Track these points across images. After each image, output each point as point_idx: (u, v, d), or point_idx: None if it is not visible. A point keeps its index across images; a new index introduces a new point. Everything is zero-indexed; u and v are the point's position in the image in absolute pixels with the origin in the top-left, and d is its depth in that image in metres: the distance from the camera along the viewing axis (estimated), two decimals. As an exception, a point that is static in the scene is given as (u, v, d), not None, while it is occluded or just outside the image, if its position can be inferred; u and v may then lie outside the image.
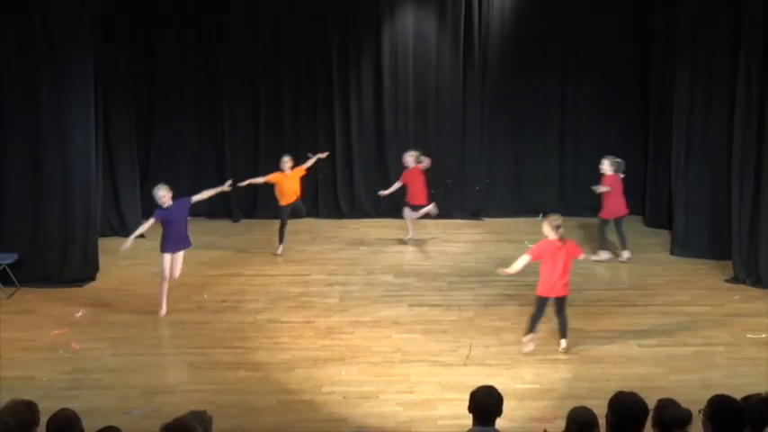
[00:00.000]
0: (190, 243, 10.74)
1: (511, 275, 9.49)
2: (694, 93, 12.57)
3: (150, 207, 14.31)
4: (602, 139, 15.10)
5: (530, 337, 9.45)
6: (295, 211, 13.13)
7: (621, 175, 12.75)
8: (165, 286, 10.48)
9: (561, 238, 9.15)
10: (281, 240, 12.95)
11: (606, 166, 12.65)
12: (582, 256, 9.51)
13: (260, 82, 14.97)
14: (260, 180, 13.09)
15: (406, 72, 14.96)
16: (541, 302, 9.33)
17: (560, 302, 9.35)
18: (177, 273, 10.59)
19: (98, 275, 11.96)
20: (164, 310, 10.46)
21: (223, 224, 14.82)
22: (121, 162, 13.85)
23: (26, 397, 5.33)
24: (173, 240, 10.43)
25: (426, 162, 13.42)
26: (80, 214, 11.72)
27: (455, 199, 15.26)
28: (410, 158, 13.38)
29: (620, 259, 12.68)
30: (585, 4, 14.84)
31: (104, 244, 12.64)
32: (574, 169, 15.12)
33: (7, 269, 11.30)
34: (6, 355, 9.36)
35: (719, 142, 12.34)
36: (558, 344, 9.46)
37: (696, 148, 12.71)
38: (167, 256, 10.45)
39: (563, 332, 9.45)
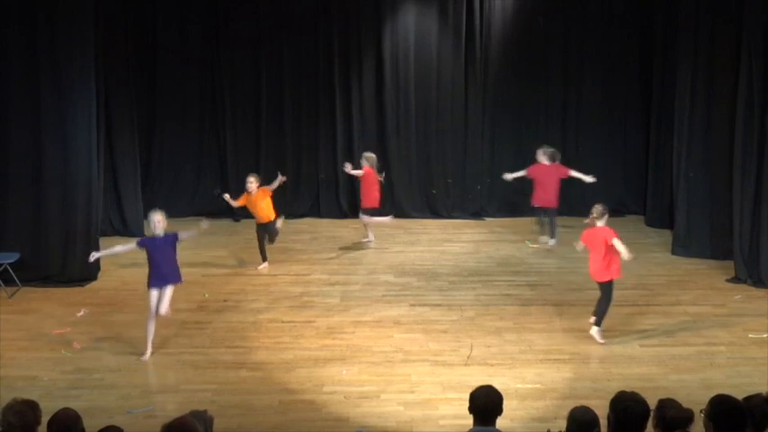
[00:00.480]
0: (180, 279, 9.68)
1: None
2: (695, 92, 12.57)
3: (151, 205, 14.42)
4: (603, 138, 15.15)
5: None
6: (267, 233, 12.51)
7: (576, 174, 13.07)
8: (152, 326, 9.43)
9: (592, 225, 9.58)
10: (263, 258, 12.48)
11: (540, 155, 13.09)
12: (613, 241, 9.36)
13: (262, 82, 14.98)
14: (233, 202, 12.63)
15: (407, 72, 14.97)
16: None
17: (601, 287, 9.67)
18: (164, 309, 9.48)
19: (99, 275, 11.97)
20: (148, 352, 9.36)
21: (225, 224, 14.81)
22: (123, 161, 13.85)
23: (28, 396, 5.34)
24: (158, 275, 9.43)
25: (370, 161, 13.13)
26: (81, 214, 11.73)
27: (456, 199, 15.27)
28: (364, 160, 13.18)
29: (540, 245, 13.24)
30: (587, 4, 14.83)
31: (106, 244, 12.60)
32: (576, 168, 15.08)
33: (9, 269, 11.31)
34: (8, 355, 9.37)
35: (721, 142, 12.34)
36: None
37: (697, 148, 12.70)
38: (154, 292, 9.43)
39: (596, 318, 9.69)
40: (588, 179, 13.06)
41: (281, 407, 8.27)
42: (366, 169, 13.12)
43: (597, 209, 9.51)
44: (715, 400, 4.82)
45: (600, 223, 9.48)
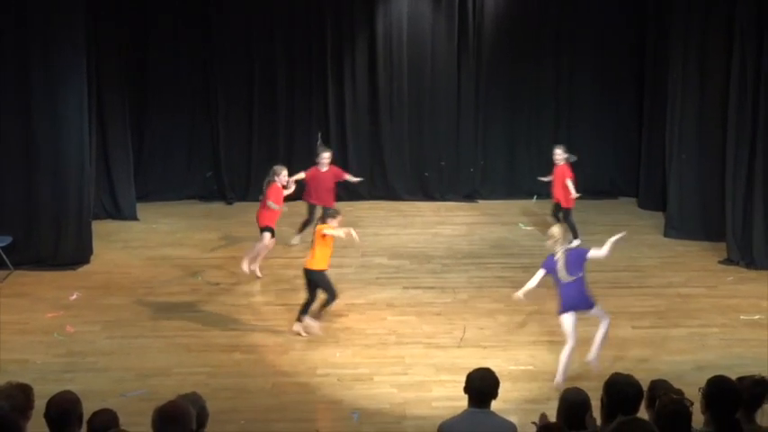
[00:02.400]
0: (592, 303, 8.37)
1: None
2: (688, 74, 12.55)
3: (144, 189, 14.44)
4: (596, 120, 15.11)
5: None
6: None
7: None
8: (569, 352, 8.27)
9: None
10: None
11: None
12: (567, 181, 12.24)
13: (254, 65, 14.87)
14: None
15: (400, 54, 14.87)
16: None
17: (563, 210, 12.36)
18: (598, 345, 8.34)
19: (92, 258, 11.91)
20: (561, 379, 8.20)
21: (217, 207, 14.76)
22: (115, 145, 13.74)
23: (21, 380, 5.31)
24: (568, 299, 8.28)
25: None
26: (73, 197, 11.68)
27: (449, 181, 15.22)
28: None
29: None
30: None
31: (98, 227, 12.61)
32: (568, 151, 15.04)
33: (1, 252, 11.27)
34: (1, 338, 9.36)
35: (714, 123, 12.34)
36: None
37: (690, 130, 12.68)
38: (568, 317, 8.25)
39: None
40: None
41: (275, 389, 8.29)
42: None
43: (564, 150, 12.45)
44: (713, 381, 4.87)
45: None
